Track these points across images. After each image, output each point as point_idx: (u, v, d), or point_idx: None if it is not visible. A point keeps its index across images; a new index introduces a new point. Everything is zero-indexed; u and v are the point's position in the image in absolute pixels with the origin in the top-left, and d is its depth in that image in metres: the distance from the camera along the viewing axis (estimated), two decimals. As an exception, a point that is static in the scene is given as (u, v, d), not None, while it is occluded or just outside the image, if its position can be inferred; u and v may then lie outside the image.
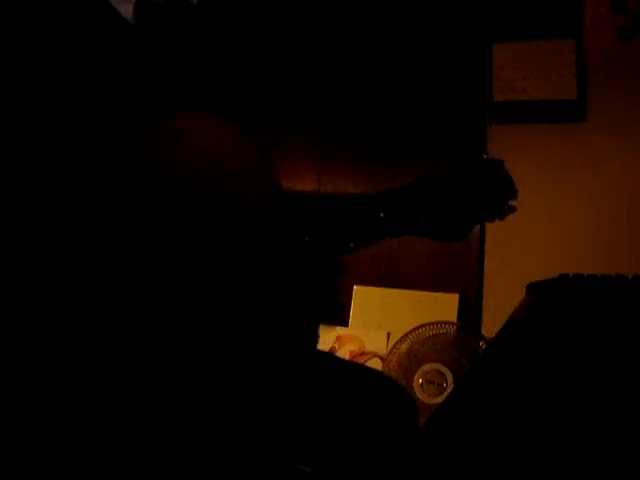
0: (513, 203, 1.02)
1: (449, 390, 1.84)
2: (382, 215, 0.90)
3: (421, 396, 1.86)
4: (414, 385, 1.88)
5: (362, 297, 2.17)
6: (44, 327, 0.71)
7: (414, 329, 1.95)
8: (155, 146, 0.75)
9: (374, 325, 2.12)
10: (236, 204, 0.77)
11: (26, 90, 0.70)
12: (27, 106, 0.69)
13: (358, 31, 2.23)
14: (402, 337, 1.96)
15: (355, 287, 2.17)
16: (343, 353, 2.08)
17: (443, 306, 2.06)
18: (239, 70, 2.14)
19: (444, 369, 1.87)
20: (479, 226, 1.98)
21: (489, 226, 1.97)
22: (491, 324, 1.93)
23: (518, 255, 1.98)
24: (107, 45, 0.75)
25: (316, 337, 0.98)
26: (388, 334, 2.09)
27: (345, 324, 2.16)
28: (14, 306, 0.70)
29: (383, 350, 2.06)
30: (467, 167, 0.98)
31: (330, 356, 1.51)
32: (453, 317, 2.03)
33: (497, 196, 1.00)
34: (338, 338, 2.12)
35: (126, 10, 0.77)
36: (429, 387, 1.87)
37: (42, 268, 0.70)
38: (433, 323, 1.94)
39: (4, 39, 0.69)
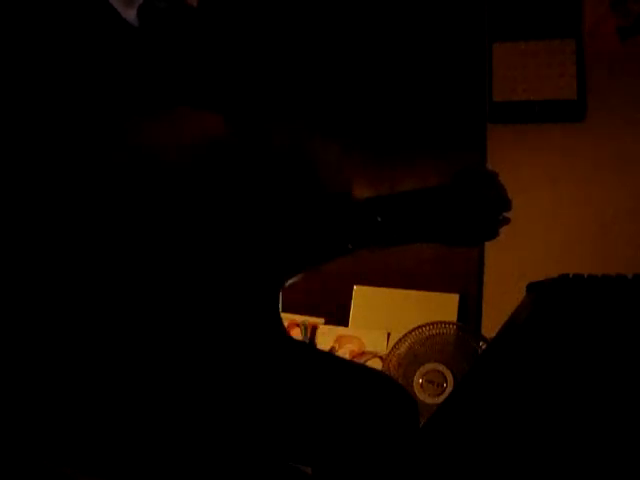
0: (507, 215, 1.04)
1: (449, 390, 1.84)
2: (379, 219, 0.91)
3: (421, 396, 1.86)
4: (414, 385, 1.88)
5: (362, 297, 2.17)
6: (43, 328, 0.71)
7: (414, 329, 1.95)
8: (148, 142, 0.75)
9: (374, 325, 2.12)
10: (221, 197, 0.78)
11: (32, 91, 0.71)
12: (33, 106, 0.70)
13: (357, 32, 2.23)
14: (402, 337, 1.96)
15: (355, 287, 2.17)
16: (343, 353, 2.08)
17: (443, 306, 2.06)
18: (238, 73, 2.14)
19: (444, 369, 1.87)
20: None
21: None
22: (491, 324, 1.93)
23: (518, 255, 1.98)
24: (112, 48, 0.77)
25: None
26: (388, 334, 2.09)
27: (345, 324, 2.16)
28: (12, 307, 0.70)
29: (383, 350, 2.06)
30: (464, 177, 0.99)
31: (330, 356, 1.51)
32: (453, 317, 2.03)
33: (492, 207, 1.02)
34: (338, 338, 2.12)
35: (130, 15, 0.80)
36: (429, 387, 1.87)
37: (40, 267, 0.70)
38: (433, 323, 1.94)
39: (16, 42, 0.71)
